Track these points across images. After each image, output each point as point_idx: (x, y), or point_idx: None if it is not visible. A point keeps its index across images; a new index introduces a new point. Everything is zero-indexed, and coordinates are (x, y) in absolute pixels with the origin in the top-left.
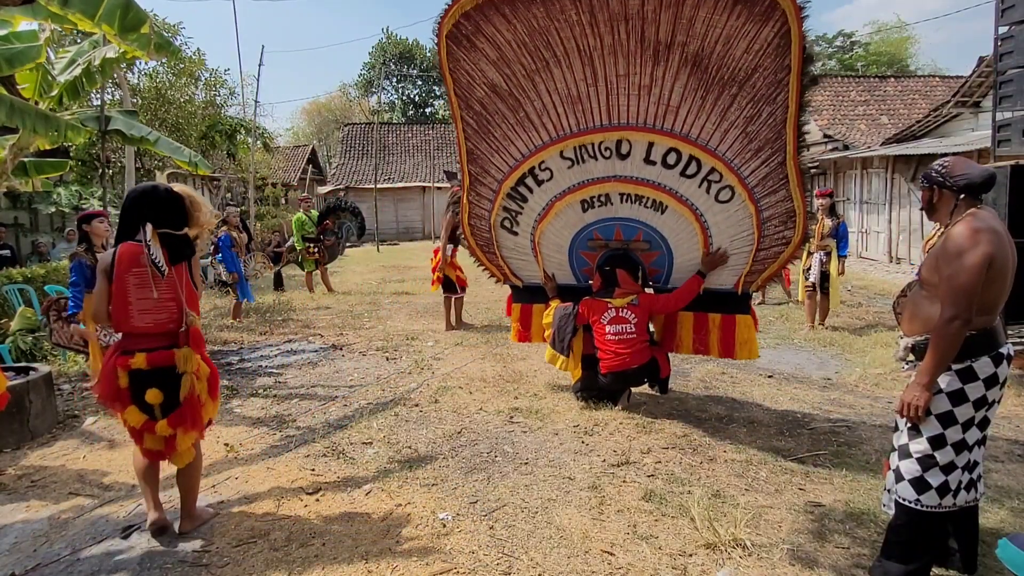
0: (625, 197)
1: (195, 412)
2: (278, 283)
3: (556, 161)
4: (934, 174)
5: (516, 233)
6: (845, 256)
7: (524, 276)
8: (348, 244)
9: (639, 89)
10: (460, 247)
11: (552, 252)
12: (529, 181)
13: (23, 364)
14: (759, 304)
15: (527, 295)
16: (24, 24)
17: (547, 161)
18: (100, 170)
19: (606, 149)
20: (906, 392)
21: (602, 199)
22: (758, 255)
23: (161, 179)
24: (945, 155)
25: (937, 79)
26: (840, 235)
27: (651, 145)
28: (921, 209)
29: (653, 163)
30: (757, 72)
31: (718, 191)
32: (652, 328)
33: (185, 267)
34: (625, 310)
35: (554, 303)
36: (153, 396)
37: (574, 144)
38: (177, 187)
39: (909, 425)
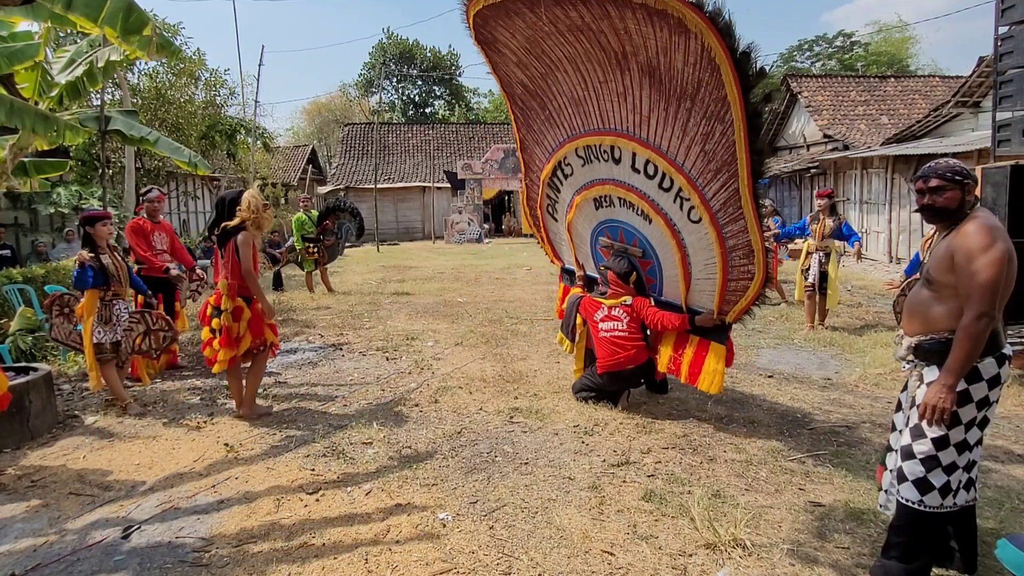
0: (622, 201)
1: (228, 336)
2: (278, 283)
3: (573, 158)
4: (965, 172)
5: (556, 219)
6: (859, 241)
7: (565, 259)
8: (347, 244)
9: (617, 96)
10: None
11: (579, 242)
12: (559, 173)
13: (23, 364)
14: (774, 304)
15: (568, 277)
16: (23, 24)
17: (568, 157)
18: (100, 170)
19: (604, 152)
20: (929, 394)
21: (607, 200)
22: (729, 285)
23: (252, 186)
24: (945, 155)
25: (937, 79)
26: (845, 235)
27: (635, 154)
28: (929, 209)
29: (638, 171)
30: (702, 87)
31: (689, 209)
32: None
33: (231, 248)
34: (617, 309)
35: (574, 289)
36: (215, 323)
37: (583, 144)
38: (247, 191)
39: (912, 425)
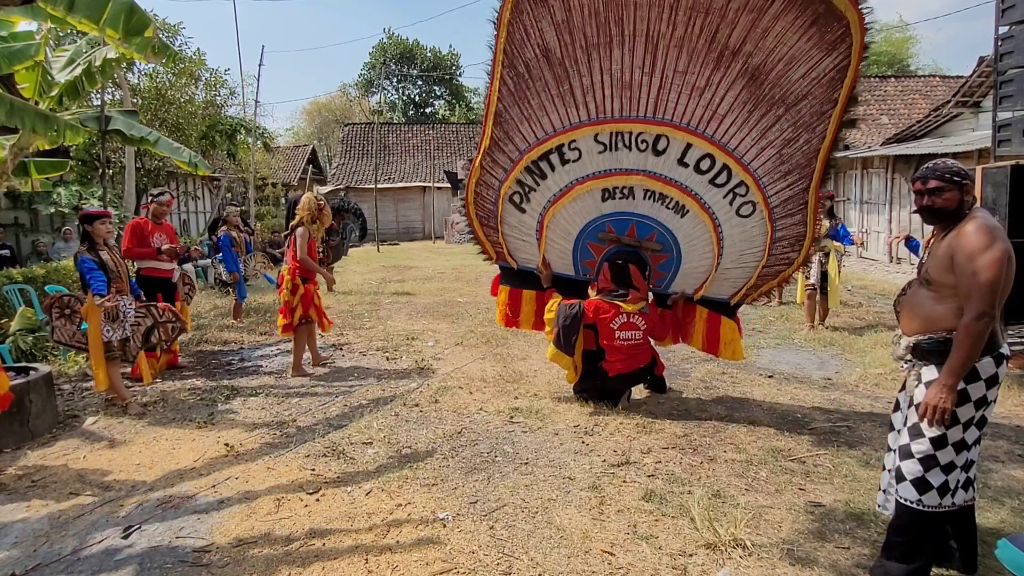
0: (648, 194)
1: (287, 308)
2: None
3: (588, 143)
4: (963, 172)
5: (524, 210)
6: (850, 243)
7: (520, 258)
8: (351, 245)
9: (692, 90)
10: None
11: (557, 238)
12: (554, 158)
13: (23, 364)
14: (768, 305)
15: (518, 279)
16: (23, 24)
17: (579, 141)
18: (100, 170)
19: (642, 142)
20: (929, 394)
21: (624, 191)
22: (762, 272)
23: (308, 191)
24: (945, 155)
25: (937, 79)
26: (841, 236)
27: (688, 147)
28: (928, 210)
29: (686, 165)
30: (806, 100)
31: (741, 205)
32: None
33: (292, 240)
34: (636, 317)
35: (556, 298)
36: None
37: (612, 129)
38: (305, 195)
39: (910, 424)
